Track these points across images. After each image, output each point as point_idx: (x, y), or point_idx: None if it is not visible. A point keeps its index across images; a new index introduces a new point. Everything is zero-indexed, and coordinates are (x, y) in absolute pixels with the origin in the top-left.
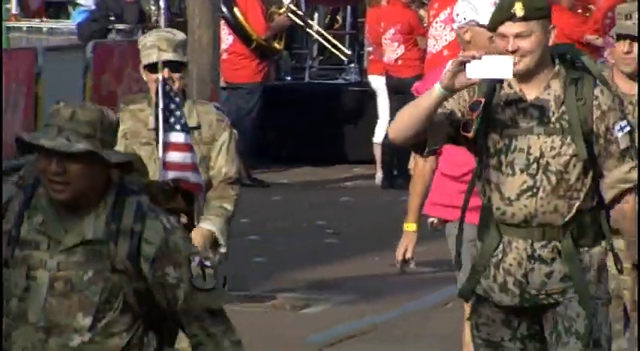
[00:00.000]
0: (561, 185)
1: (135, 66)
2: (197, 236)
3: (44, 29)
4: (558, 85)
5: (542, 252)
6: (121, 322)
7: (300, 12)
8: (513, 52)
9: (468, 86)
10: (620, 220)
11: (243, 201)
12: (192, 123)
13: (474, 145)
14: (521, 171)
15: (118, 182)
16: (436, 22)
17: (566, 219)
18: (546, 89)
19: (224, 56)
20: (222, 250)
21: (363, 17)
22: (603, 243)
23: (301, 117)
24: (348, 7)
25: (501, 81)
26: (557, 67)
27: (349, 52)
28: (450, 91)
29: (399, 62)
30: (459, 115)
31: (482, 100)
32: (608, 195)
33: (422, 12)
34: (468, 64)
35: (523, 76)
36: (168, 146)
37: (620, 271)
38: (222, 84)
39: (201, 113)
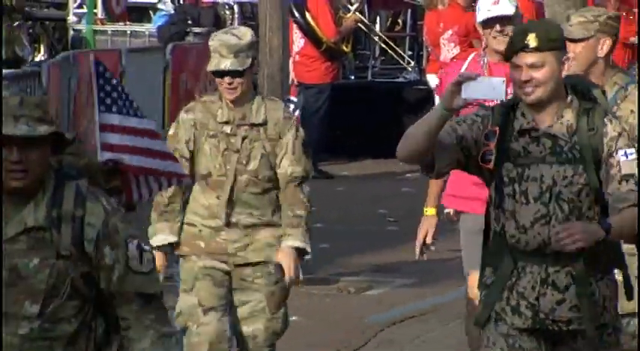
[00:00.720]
0: (574, 213)
1: None
2: (284, 258)
3: (127, 32)
4: (571, 115)
5: (555, 277)
6: (69, 307)
7: (363, 16)
8: (527, 82)
9: (466, 106)
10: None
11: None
12: (258, 119)
13: (488, 174)
14: (535, 200)
15: (56, 167)
16: None
17: None
18: (559, 119)
19: (296, 58)
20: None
21: (421, 20)
22: (615, 272)
23: (364, 113)
24: (409, 11)
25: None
26: (569, 98)
27: (405, 55)
28: (450, 110)
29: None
30: (471, 142)
31: (497, 130)
32: (612, 219)
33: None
34: (463, 85)
35: (536, 106)
36: (104, 127)
37: (630, 298)
38: (295, 82)
39: (269, 110)
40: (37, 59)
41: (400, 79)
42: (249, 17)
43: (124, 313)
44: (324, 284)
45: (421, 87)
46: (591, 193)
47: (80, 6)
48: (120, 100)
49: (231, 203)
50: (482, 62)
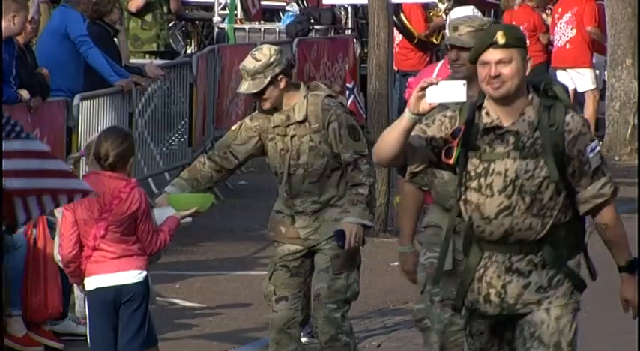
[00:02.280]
0: (535, 205)
1: (329, 58)
2: (346, 228)
3: (261, 29)
4: (532, 112)
5: (519, 265)
6: None
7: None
8: (495, 78)
9: (431, 109)
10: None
11: None
12: (300, 117)
13: (454, 169)
14: (499, 192)
15: None
16: (560, 22)
17: (541, 235)
18: (521, 116)
19: (396, 49)
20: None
21: (501, 18)
22: (577, 256)
23: None
24: (492, 11)
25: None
26: (530, 96)
27: None
28: (417, 114)
29: None
30: (441, 142)
31: (463, 128)
32: (582, 209)
33: (544, 15)
34: (427, 90)
35: (501, 104)
36: None
37: (594, 279)
38: (395, 69)
39: (310, 105)
40: (188, 52)
41: None
42: (360, 17)
43: None
44: None
45: None
46: (552, 185)
47: (224, 8)
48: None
49: (294, 196)
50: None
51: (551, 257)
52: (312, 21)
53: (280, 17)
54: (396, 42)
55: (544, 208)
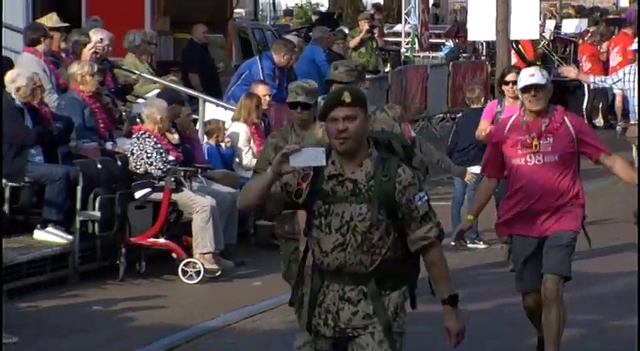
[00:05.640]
0: (365, 243)
1: (471, 74)
2: None
3: (430, 56)
4: (370, 164)
5: (350, 294)
6: None
7: (550, 46)
8: (342, 132)
9: (291, 172)
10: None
11: None
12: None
13: (304, 208)
14: (336, 230)
15: None
16: (614, 51)
17: (370, 269)
18: (360, 167)
19: None
20: None
21: (579, 49)
22: (402, 288)
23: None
24: (572, 44)
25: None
26: (370, 150)
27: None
28: (278, 175)
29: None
30: (294, 185)
31: (311, 173)
32: (412, 248)
33: (599, 47)
34: (290, 156)
35: (345, 156)
36: None
37: (413, 307)
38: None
39: (325, 132)
40: (386, 70)
41: (566, 79)
42: (491, 48)
43: None
44: None
45: (575, 82)
46: (381, 228)
47: (407, 43)
48: None
49: None
50: (522, 120)
51: (373, 291)
52: (461, 51)
53: (441, 49)
54: (513, 62)
55: (374, 247)
